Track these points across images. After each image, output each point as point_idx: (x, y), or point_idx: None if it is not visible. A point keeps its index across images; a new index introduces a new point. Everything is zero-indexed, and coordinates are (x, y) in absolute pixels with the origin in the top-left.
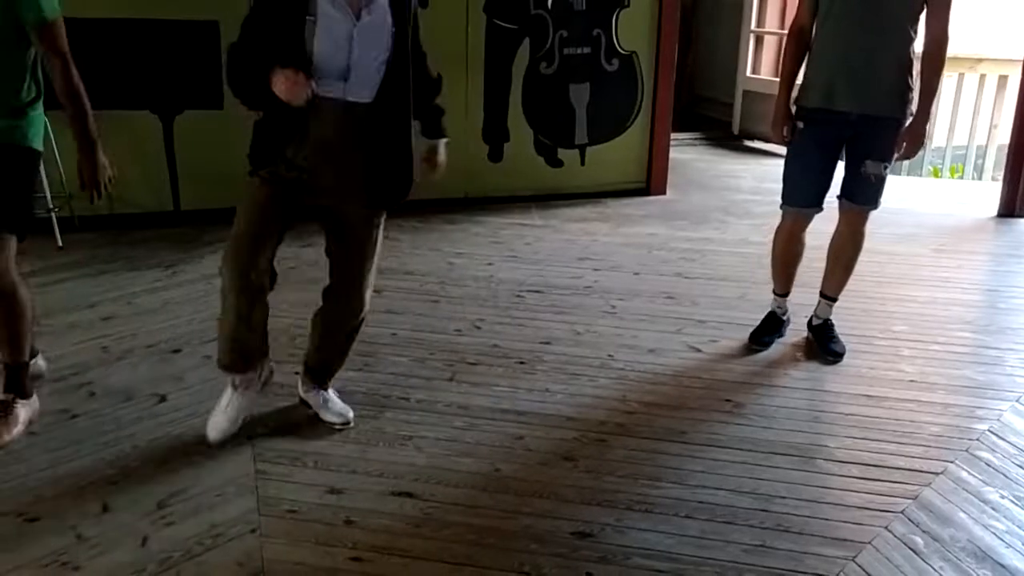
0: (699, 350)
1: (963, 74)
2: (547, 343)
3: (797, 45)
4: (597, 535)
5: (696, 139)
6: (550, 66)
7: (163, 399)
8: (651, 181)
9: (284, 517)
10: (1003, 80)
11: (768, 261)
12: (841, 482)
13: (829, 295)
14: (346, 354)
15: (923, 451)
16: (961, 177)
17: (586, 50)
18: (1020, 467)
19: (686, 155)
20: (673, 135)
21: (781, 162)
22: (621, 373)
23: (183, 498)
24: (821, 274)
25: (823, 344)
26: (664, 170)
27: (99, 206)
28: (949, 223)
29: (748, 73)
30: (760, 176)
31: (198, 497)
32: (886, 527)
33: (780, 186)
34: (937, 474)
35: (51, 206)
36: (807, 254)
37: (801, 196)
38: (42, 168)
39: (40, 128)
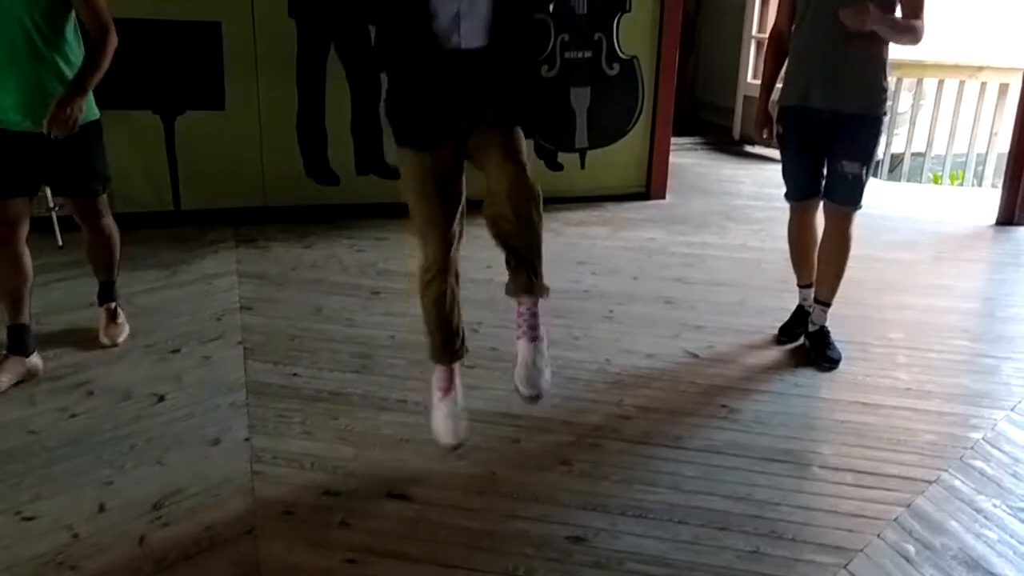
0: (696, 355)
1: (964, 81)
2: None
3: (775, 49)
4: (591, 539)
5: (697, 144)
6: (551, 69)
7: (161, 399)
8: (651, 185)
9: (280, 518)
10: (1004, 88)
11: (768, 267)
12: (835, 489)
13: (822, 300)
14: (539, 242)
15: (917, 459)
16: (961, 184)
17: (587, 54)
18: (1013, 476)
19: (686, 160)
20: (673, 140)
21: (781, 168)
22: (618, 377)
23: (180, 498)
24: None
25: (819, 351)
26: (664, 175)
27: None
28: (948, 230)
29: (749, 79)
30: (761, 181)
31: (195, 498)
32: (878, 535)
33: (781, 191)
34: (930, 482)
35: (52, 205)
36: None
37: (795, 189)
38: None
39: (93, 101)
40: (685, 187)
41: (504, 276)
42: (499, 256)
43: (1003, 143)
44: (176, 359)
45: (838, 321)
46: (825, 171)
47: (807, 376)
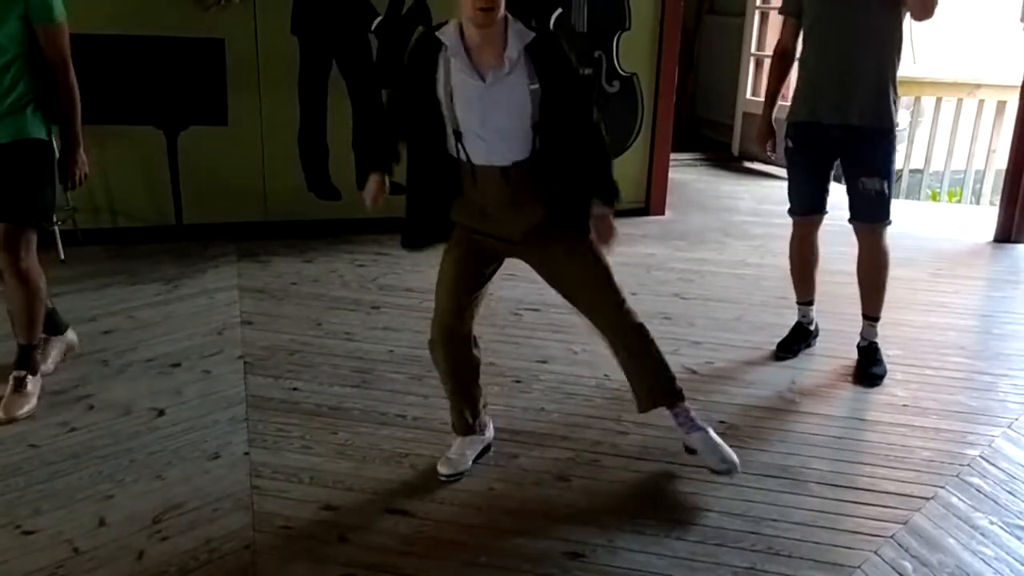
0: (695, 371)
1: (962, 99)
2: (543, 362)
3: (780, 64)
4: (589, 556)
5: (696, 160)
6: None
7: (161, 413)
8: (650, 201)
9: (279, 533)
10: (1001, 105)
11: (767, 283)
12: (832, 506)
13: (869, 315)
14: (657, 358)
15: (914, 476)
16: (959, 201)
17: (587, 71)
18: (1010, 493)
19: (686, 176)
20: (673, 156)
21: (780, 184)
22: (616, 393)
23: (179, 513)
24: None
25: (865, 366)
26: (663, 191)
27: (102, 219)
28: (946, 247)
29: (748, 95)
30: (760, 198)
31: (194, 512)
32: (876, 551)
33: (780, 208)
34: (927, 499)
35: (54, 220)
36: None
37: (800, 205)
38: None
39: (42, 123)
40: (684, 203)
41: (501, 290)
42: (498, 272)
43: (1001, 160)
44: (176, 373)
45: (837, 338)
46: (846, 191)
47: (805, 392)
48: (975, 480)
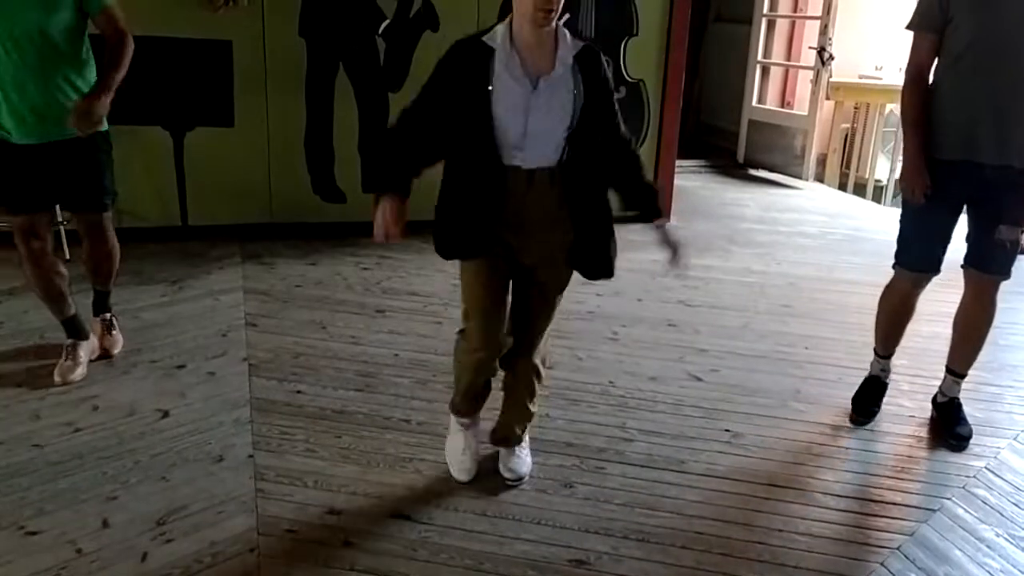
0: (700, 379)
1: None
2: (549, 368)
3: (921, 88)
4: (593, 563)
5: (701, 167)
6: None
7: (166, 415)
8: None
9: (283, 537)
10: None
11: (772, 291)
12: (838, 517)
13: (957, 371)
14: (531, 414)
15: (920, 487)
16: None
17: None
18: (1016, 505)
19: (691, 183)
20: (678, 162)
21: (786, 192)
22: (621, 400)
23: (183, 515)
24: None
25: (948, 425)
26: (669, 197)
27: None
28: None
29: (754, 103)
30: (765, 205)
31: (198, 514)
32: (882, 563)
33: (784, 215)
34: (934, 511)
35: (60, 219)
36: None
37: (921, 259)
38: None
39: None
40: (689, 210)
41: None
42: None
43: None
44: (181, 375)
45: (843, 347)
46: (972, 239)
47: (811, 401)
48: (981, 492)
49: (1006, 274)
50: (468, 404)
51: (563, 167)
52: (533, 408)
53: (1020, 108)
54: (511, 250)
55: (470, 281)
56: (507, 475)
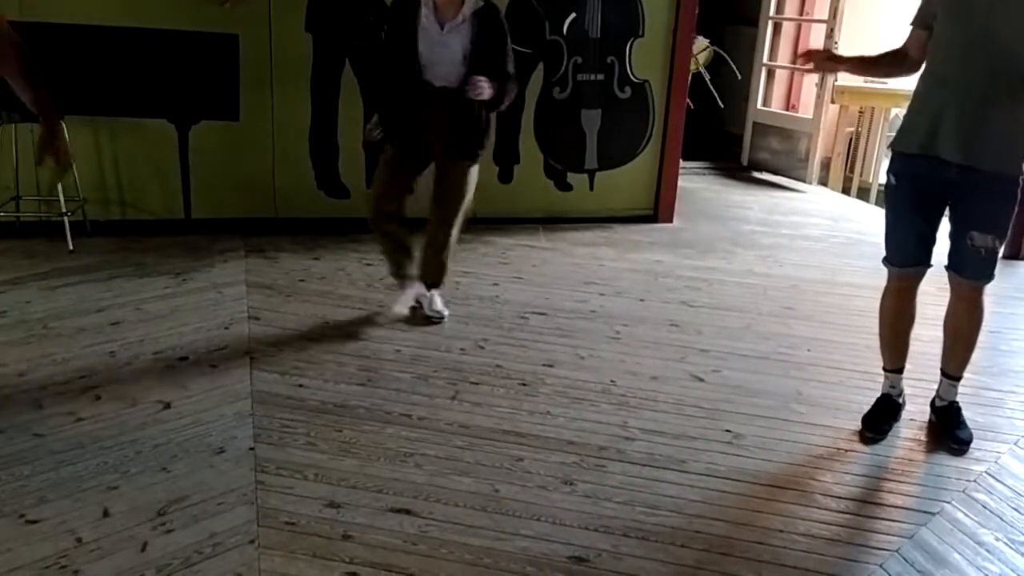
0: (702, 379)
1: None
2: (550, 366)
3: (890, 59)
4: (593, 560)
5: (705, 169)
6: (563, 91)
7: (167, 406)
8: (659, 208)
9: (282, 529)
10: None
11: (775, 293)
12: (837, 518)
13: (950, 373)
14: (443, 265)
15: (920, 491)
16: None
17: (599, 77)
18: (1016, 510)
19: (695, 184)
20: (682, 164)
21: (790, 195)
22: (622, 399)
23: (183, 506)
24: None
25: (948, 429)
26: (672, 198)
27: (111, 211)
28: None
29: (759, 105)
30: (768, 208)
31: (198, 505)
32: (881, 565)
33: (788, 218)
34: (933, 514)
35: (64, 210)
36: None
37: (900, 255)
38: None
39: None
40: (693, 211)
41: (508, 293)
42: (505, 275)
43: None
44: (183, 367)
45: (844, 350)
46: (950, 242)
47: (812, 403)
48: (981, 496)
49: (984, 279)
50: (390, 267)
51: (459, 88)
52: (447, 259)
53: (988, 114)
54: (427, 144)
55: (386, 160)
56: (431, 314)
